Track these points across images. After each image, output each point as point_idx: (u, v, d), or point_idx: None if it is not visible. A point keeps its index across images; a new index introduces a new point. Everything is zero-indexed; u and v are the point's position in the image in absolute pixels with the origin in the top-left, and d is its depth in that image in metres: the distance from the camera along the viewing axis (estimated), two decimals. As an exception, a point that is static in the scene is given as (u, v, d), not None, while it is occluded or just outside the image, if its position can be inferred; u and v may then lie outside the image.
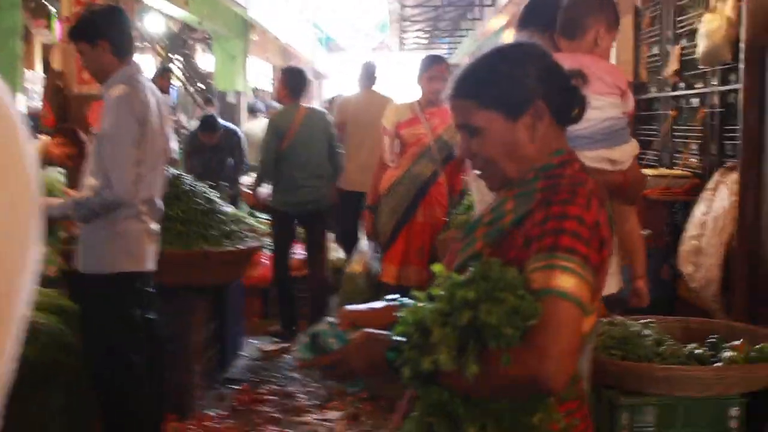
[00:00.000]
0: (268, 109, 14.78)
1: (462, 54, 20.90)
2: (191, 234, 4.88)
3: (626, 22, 8.12)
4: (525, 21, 3.28)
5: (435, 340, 1.57)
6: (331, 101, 9.29)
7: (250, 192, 7.19)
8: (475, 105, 1.83)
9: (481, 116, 1.82)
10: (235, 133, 8.96)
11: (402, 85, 26.20)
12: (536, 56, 1.89)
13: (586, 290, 1.63)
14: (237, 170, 8.66)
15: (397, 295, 1.98)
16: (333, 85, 26.08)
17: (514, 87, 1.82)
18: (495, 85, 1.83)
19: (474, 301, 1.57)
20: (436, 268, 1.76)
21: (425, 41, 20.98)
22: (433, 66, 5.67)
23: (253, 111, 13.01)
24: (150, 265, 3.93)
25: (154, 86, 3.94)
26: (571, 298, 1.60)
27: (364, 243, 5.89)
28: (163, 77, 9.59)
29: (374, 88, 7.90)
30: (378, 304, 1.98)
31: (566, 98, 1.88)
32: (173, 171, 5.19)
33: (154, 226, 3.95)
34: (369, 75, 7.87)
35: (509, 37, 13.97)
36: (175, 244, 4.79)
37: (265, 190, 7.21)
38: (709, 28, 5.27)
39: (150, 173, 3.78)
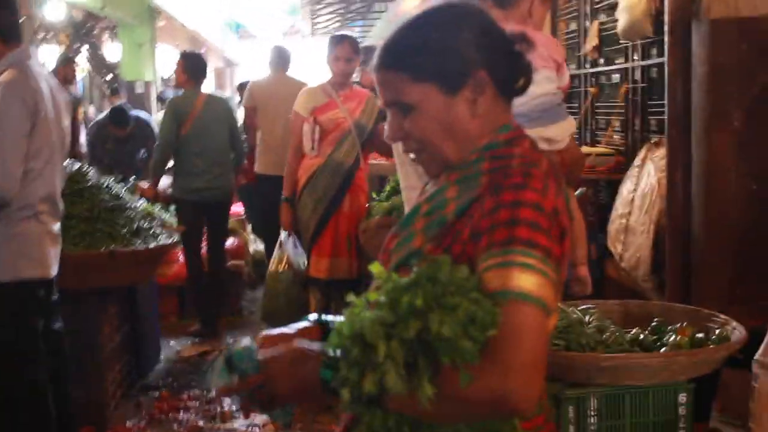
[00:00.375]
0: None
1: (375, 37, 20.65)
2: (97, 233, 4.54)
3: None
4: None
5: (379, 357, 1.31)
6: (242, 87, 8.94)
7: (149, 185, 6.75)
8: (406, 78, 1.59)
9: (413, 91, 1.58)
10: (147, 123, 8.57)
11: (315, 70, 25.88)
12: (472, 17, 1.63)
13: (549, 289, 1.39)
14: (149, 162, 8.27)
15: (318, 315, 1.71)
16: (244, 72, 25.57)
17: (450, 55, 1.58)
18: (427, 54, 1.58)
19: (422, 309, 1.33)
20: (375, 268, 1.50)
21: (337, 24, 20.64)
22: (338, 46, 5.41)
23: (162, 100, 12.53)
24: (53, 270, 3.60)
25: (47, 73, 3.58)
26: (533, 300, 1.36)
27: (282, 237, 5.59)
28: (66, 66, 9.09)
29: (287, 72, 7.67)
30: (302, 324, 1.69)
31: (510, 66, 1.63)
32: (76, 165, 4.84)
33: (56, 227, 3.62)
34: (281, 58, 7.63)
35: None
36: (79, 245, 4.46)
37: (166, 181, 6.90)
38: (630, 2, 5.17)
39: (46, 168, 3.44)
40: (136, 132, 8.20)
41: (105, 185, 4.84)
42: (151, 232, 4.84)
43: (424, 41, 1.59)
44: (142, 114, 8.85)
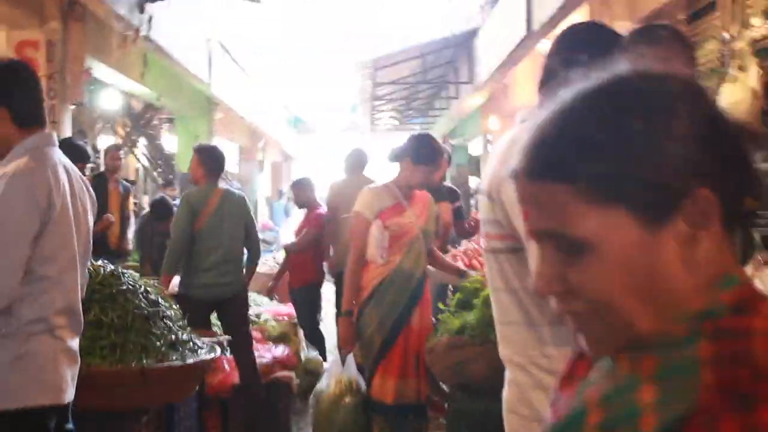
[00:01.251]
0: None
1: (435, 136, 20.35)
2: (128, 345, 3.95)
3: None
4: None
5: None
6: (297, 185, 8.43)
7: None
8: (578, 197, 0.95)
9: (590, 219, 0.94)
10: None
11: (374, 166, 25.64)
12: (689, 96, 0.97)
13: None
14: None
15: None
16: (302, 166, 25.42)
17: (656, 160, 0.93)
18: (618, 159, 0.93)
19: None
20: None
21: (396, 122, 20.42)
22: (439, 158, 4.94)
23: None
24: (68, 395, 2.99)
25: (69, 162, 3.05)
26: None
27: (338, 355, 4.96)
28: (113, 155, 8.67)
29: (364, 173, 7.64)
30: None
31: (739, 180, 0.98)
32: (109, 266, 4.30)
33: (74, 343, 3.04)
34: (359, 161, 7.70)
35: (492, 121, 13.42)
36: (107, 358, 3.87)
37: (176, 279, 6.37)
38: (732, 101, 4.62)
39: (65, 275, 2.89)
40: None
41: (142, 289, 4.28)
42: (190, 344, 4.25)
43: (611, 137, 0.94)
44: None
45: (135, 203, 13.20)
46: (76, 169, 3.08)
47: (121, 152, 9.02)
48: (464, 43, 11.80)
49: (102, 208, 8.46)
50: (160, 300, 4.35)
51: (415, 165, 4.82)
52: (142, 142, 17.63)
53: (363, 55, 11.60)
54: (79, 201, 2.96)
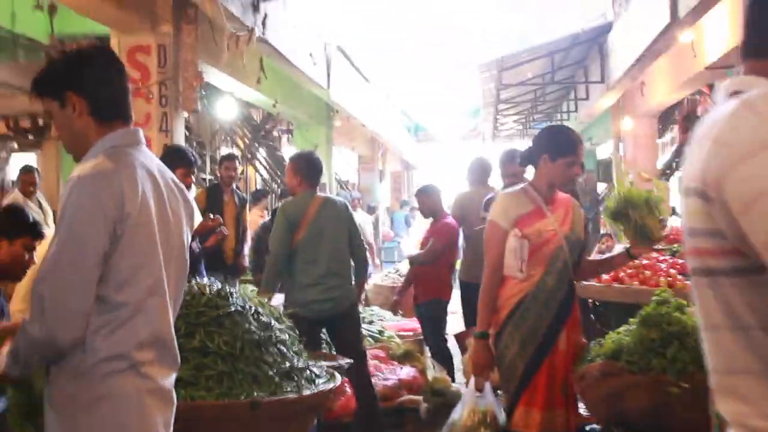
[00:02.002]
0: (354, 200, 13.59)
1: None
2: (237, 375, 3.48)
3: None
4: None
5: None
6: (422, 192, 7.87)
7: None
8: None
9: None
10: None
11: (497, 175, 24.80)
12: None
13: None
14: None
15: None
16: (422, 175, 24.92)
17: None
18: None
19: None
20: None
21: (520, 126, 19.68)
22: (579, 146, 4.26)
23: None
24: (158, 446, 2.50)
25: (161, 166, 2.53)
26: None
27: (474, 383, 4.37)
28: (227, 166, 8.28)
29: (489, 182, 7.44)
30: None
31: None
32: (216, 285, 3.84)
33: (168, 381, 2.54)
34: (483, 170, 7.48)
35: (626, 122, 12.58)
36: (214, 390, 3.40)
37: (279, 298, 5.87)
38: None
39: (150, 300, 2.40)
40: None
41: (252, 310, 3.80)
42: (307, 372, 3.74)
43: None
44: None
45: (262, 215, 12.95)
46: (170, 174, 2.57)
47: (238, 162, 8.63)
48: (596, 39, 11.04)
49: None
50: (273, 322, 3.87)
51: (553, 161, 4.19)
52: (262, 153, 17.54)
53: (487, 56, 10.99)
54: (170, 211, 2.46)
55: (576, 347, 4.21)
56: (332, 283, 5.56)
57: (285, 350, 3.75)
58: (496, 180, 7.55)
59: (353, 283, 5.77)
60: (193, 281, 3.80)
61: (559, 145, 4.18)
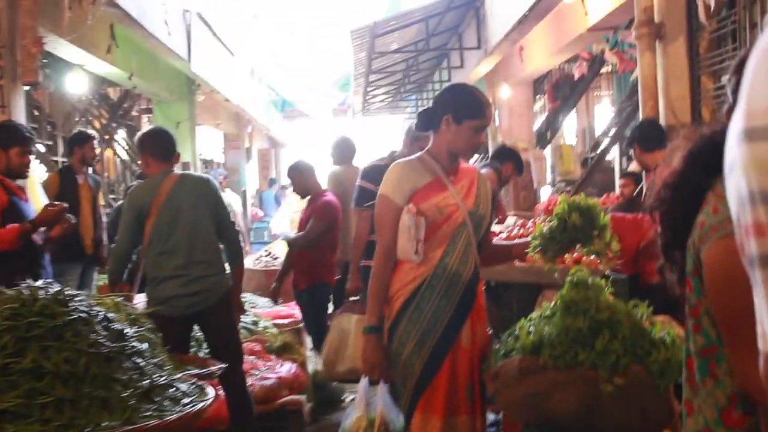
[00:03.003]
0: (221, 179, 12.83)
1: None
2: (82, 402, 2.77)
3: (678, 46, 6.35)
4: None
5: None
6: (294, 169, 7.16)
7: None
8: None
9: None
10: None
11: (366, 150, 24.43)
12: None
13: None
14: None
15: None
16: (291, 154, 24.19)
17: None
18: None
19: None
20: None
21: (391, 98, 19.19)
22: (487, 110, 3.67)
23: None
24: None
25: None
26: None
27: (364, 385, 3.78)
28: (83, 146, 7.37)
29: (354, 162, 7.32)
30: None
31: None
32: (54, 286, 3.12)
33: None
34: (347, 150, 7.38)
35: (504, 90, 12.23)
36: (51, 422, 2.69)
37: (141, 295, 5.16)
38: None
39: None
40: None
41: (100, 316, 3.09)
42: (173, 389, 3.07)
43: None
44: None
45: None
46: None
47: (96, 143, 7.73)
48: (471, 3, 10.59)
49: (74, 209, 7.29)
50: (127, 329, 3.17)
51: (458, 123, 3.62)
52: (121, 134, 16.43)
53: (358, 23, 10.38)
54: None
55: (482, 341, 3.68)
56: (195, 274, 4.77)
57: (143, 364, 3.06)
58: (360, 160, 7.37)
59: (225, 271, 5.00)
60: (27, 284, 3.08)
61: (465, 106, 3.61)
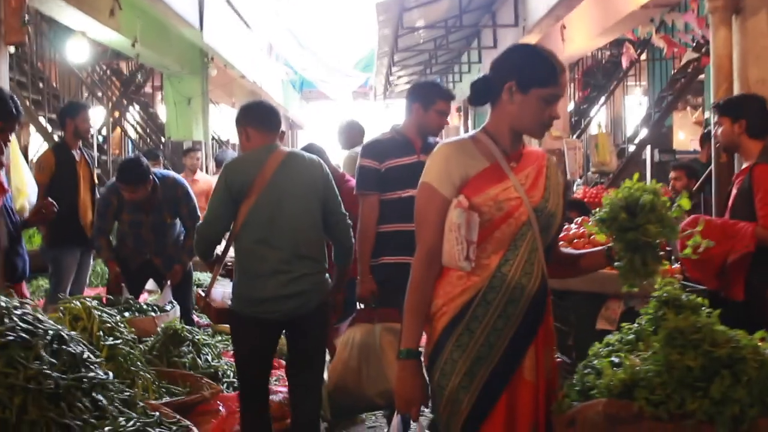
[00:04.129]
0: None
1: (454, 102, 18.27)
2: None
3: (758, 22, 5.51)
4: None
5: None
6: (310, 149, 6.30)
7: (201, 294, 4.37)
8: None
9: None
10: (176, 183, 5.81)
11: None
12: None
13: None
14: (187, 242, 5.66)
15: None
16: (308, 137, 23.38)
17: None
18: None
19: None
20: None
21: (415, 81, 18.30)
22: (561, 76, 2.83)
23: (220, 164, 9.84)
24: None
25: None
26: None
27: (396, 424, 2.98)
28: (82, 117, 6.59)
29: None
30: None
31: None
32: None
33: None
34: (355, 134, 6.97)
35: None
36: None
37: (221, 289, 4.41)
38: None
39: None
40: (164, 196, 5.67)
41: (51, 335, 2.31)
42: (148, 420, 2.29)
43: None
44: (169, 172, 6.25)
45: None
46: None
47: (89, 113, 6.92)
48: (508, -24, 9.73)
49: (72, 188, 6.55)
50: (86, 353, 2.39)
51: (524, 92, 2.81)
52: (134, 110, 15.70)
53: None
54: None
55: (550, 373, 2.87)
56: (299, 271, 4.01)
57: (105, 403, 2.28)
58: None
59: (326, 271, 4.18)
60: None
61: (534, 70, 2.78)
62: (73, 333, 2.41)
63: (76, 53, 8.86)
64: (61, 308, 3.21)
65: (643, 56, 14.49)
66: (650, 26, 10.78)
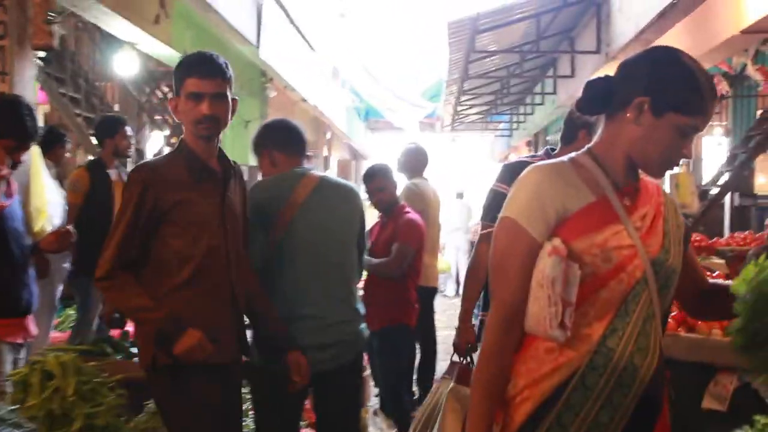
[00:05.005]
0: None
1: (524, 135, 17.47)
2: None
3: None
4: None
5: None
6: (369, 177, 5.59)
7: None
8: None
9: None
10: None
11: (452, 170, 22.78)
12: None
13: None
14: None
15: None
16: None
17: None
18: None
19: None
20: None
21: (484, 112, 17.59)
22: (710, 105, 2.10)
23: None
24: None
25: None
26: None
27: None
28: (122, 133, 6.06)
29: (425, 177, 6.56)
30: None
31: None
32: None
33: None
34: (417, 161, 6.56)
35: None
36: None
37: None
38: None
39: None
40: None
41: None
42: None
43: None
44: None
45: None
46: None
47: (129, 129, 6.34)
48: (592, 0, 8.96)
49: (106, 211, 5.92)
50: None
51: (656, 115, 2.06)
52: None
53: (453, 15, 8.84)
54: None
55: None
56: (333, 318, 3.37)
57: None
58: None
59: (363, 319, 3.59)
60: None
61: (676, 88, 2.06)
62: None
63: (125, 66, 8.33)
64: (33, 362, 2.53)
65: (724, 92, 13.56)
66: (744, 56, 9.88)
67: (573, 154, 2.20)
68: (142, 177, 2.90)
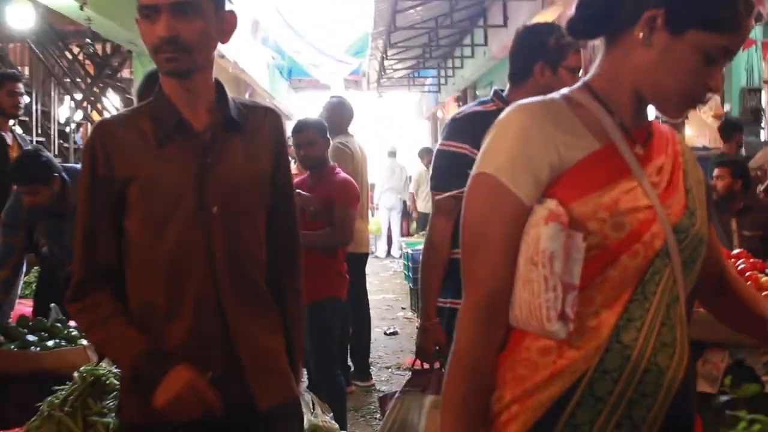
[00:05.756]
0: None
1: (453, 90, 16.97)
2: None
3: None
4: None
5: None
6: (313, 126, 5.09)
7: None
8: None
9: None
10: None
11: (379, 128, 22.23)
12: None
13: None
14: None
15: None
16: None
17: None
18: None
19: None
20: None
21: (411, 66, 17.07)
22: (747, 21, 1.56)
23: None
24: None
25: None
26: None
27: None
28: (8, 89, 5.40)
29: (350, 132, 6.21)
30: None
31: None
32: None
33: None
34: (341, 116, 6.17)
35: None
36: None
37: None
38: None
39: None
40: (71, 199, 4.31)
41: None
42: None
43: None
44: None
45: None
46: None
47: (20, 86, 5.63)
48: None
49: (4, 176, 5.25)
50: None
51: (674, 33, 1.53)
52: (110, 98, 14.34)
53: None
54: None
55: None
56: None
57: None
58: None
59: None
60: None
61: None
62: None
63: (22, 21, 7.57)
64: None
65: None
66: None
67: (565, 90, 1.66)
68: (92, 141, 2.09)
